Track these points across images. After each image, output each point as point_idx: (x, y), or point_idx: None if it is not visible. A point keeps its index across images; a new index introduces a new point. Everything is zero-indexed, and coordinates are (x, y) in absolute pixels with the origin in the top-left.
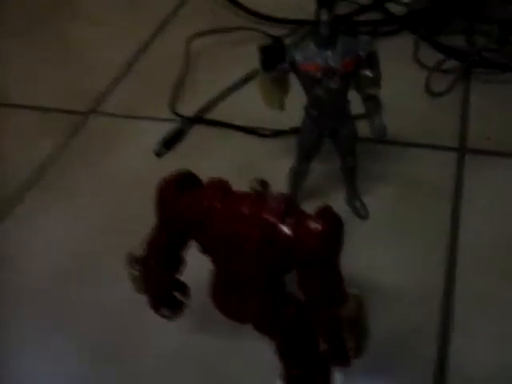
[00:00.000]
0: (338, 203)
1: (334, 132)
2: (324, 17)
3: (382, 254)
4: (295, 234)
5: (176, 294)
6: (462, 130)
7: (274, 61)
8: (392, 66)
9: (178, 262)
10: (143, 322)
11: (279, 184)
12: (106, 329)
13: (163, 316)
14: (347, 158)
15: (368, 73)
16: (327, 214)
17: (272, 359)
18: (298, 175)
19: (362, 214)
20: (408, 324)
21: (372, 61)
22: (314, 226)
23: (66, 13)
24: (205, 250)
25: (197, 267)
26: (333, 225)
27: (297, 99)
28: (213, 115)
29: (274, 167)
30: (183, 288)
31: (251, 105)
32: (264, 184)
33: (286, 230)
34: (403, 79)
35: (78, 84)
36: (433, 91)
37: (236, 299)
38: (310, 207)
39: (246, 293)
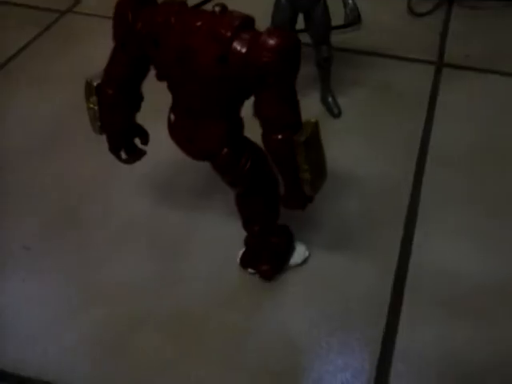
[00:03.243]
0: (312, 101)
1: (308, 14)
2: None
3: (354, 148)
4: (249, 48)
5: (135, 139)
6: (441, 46)
7: None
8: None
9: (136, 98)
10: (107, 193)
11: None
12: (67, 199)
13: (120, 160)
14: (321, 47)
15: None
16: (283, 32)
17: (236, 233)
18: None
19: (334, 111)
20: (377, 206)
21: None
22: (270, 40)
23: None
24: (161, 74)
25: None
26: (289, 40)
27: None
28: None
29: None
30: (142, 134)
31: None
32: (224, 7)
33: (239, 44)
34: (387, 1)
35: None
36: (414, 11)
37: (193, 128)
38: None
39: (203, 121)
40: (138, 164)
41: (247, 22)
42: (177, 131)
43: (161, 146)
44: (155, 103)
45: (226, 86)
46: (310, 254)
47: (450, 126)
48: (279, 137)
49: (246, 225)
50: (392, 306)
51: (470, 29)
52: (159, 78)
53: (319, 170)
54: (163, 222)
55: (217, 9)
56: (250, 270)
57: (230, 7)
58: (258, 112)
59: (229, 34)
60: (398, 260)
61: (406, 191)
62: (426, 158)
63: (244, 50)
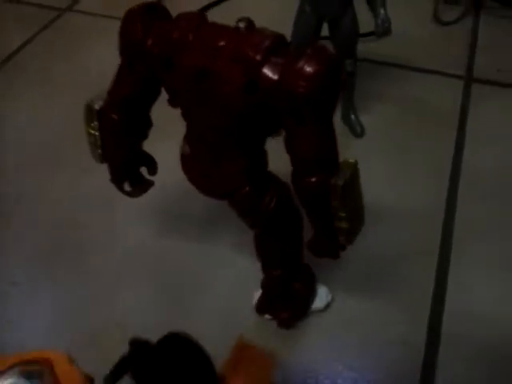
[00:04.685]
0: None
1: (334, 23)
2: None
3: (378, 172)
4: (283, 75)
5: (141, 168)
6: (470, 59)
7: None
8: None
9: (144, 124)
10: (110, 218)
11: None
12: (65, 223)
13: (124, 192)
14: (346, 61)
15: None
16: (322, 54)
17: (250, 269)
18: None
19: (357, 131)
20: (407, 238)
21: None
22: (308, 66)
23: None
24: (174, 100)
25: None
26: (331, 66)
27: None
28: None
29: None
30: (150, 163)
31: None
32: (250, 23)
33: (271, 69)
34: (411, 7)
35: None
36: (441, 20)
37: (210, 163)
38: None
39: (222, 154)
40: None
41: (279, 42)
42: (190, 165)
43: (167, 168)
44: (161, 119)
45: (252, 117)
46: (332, 298)
47: (482, 146)
48: (313, 179)
49: (265, 268)
50: (426, 358)
51: (500, 40)
52: (172, 103)
53: (357, 217)
54: (169, 254)
55: (242, 25)
56: (266, 317)
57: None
58: (289, 149)
59: (258, 57)
60: (432, 303)
61: (438, 221)
62: (458, 182)
63: (276, 78)
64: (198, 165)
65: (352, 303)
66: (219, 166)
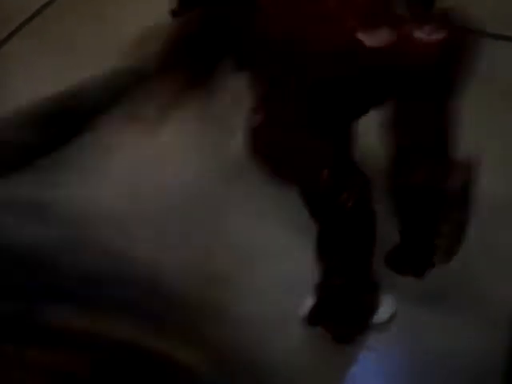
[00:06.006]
0: None
1: None
2: None
3: None
4: (394, 39)
5: None
6: None
7: None
8: None
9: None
10: None
11: None
12: None
13: None
14: None
15: None
16: (448, 20)
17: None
18: None
19: None
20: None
21: None
22: (427, 32)
23: None
24: (246, 59)
25: None
26: (456, 35)
27: None
28: None
29: None
30: None
31: None
32: None
33: (377, 33)
34: None
35: None
36: None
37: (286, 140)
38: None
39: (303, 132)
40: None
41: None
42: (262, 140)
43: None
44: None
45: (350, 88)
46: (397, 310)
47: None
48: (422, 174)
49: (327, 276)
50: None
51: None
52: (241, 64)
53: (461, 233)
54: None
55: None
56: (319, 329)
57: None
58: (393, 131)
59: (361, 18)
60: None
61: None
62: None
63: (384, 43)
64: (271, 141)
65: (418, 315)
66: (298, 145)
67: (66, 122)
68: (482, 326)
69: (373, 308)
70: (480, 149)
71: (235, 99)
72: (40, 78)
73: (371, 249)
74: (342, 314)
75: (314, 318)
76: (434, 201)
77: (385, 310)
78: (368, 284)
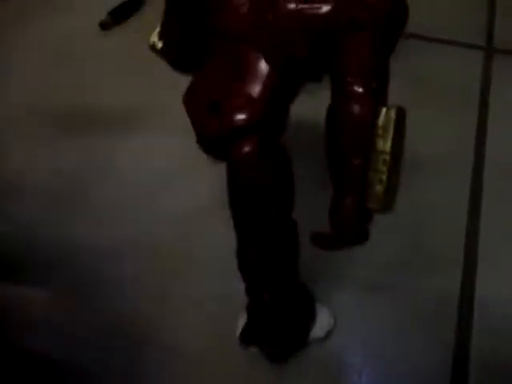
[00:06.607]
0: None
1: None
2: None
3: None
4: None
5: None
6: (490, 26)
7: None
8: None
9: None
10: None
11: None
12: None
13: None
14: None
15: None
16: None
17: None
18: None
19: None
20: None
21: None
22: None
23: None
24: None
25: None
26: None
27: None
28: None
29: None
30: None
31: None
32: None
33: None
34: None
35: None
36: None
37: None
38: None
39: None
40: None
41: None
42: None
43: None
44: None
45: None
46: (335, 323)
47: (508, 129)
48: (360, 104)
49: (251, 290)
50: None
51: None
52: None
53: (398, 173)
54: None
55: None
56: (252, 349)
57: None
58: (337, 65)
59: None
60: (458, 326)
61: (461, 220)
62: (482, 173)
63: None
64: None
65: (359, 329)
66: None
67: None
68: (427, 328)
69: (306, 323)
70: None
71: None
72: None
73: (296, 253)
74: (273, 331)
75: (246, 337)
76: (370, 129)
77: (321, 325)
78: (297, 296)
